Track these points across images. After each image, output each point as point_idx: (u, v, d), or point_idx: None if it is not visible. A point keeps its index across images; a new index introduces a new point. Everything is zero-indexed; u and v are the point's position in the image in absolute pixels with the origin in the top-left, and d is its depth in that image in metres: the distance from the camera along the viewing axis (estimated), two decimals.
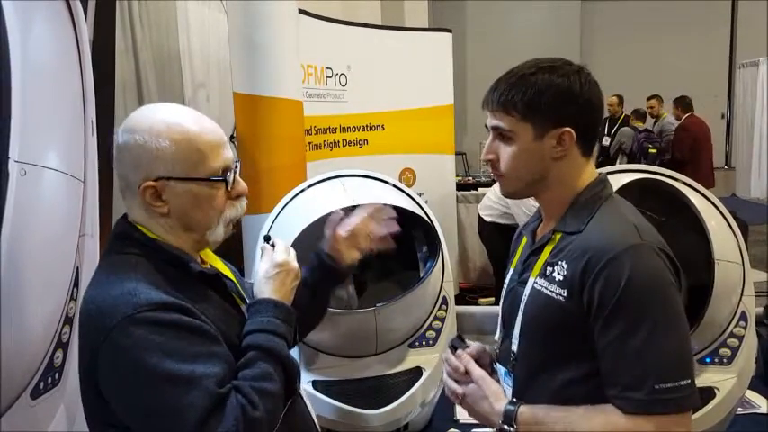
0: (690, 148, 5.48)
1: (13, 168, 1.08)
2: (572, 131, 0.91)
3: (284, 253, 0.99)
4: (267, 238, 1.03)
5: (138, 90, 2.66)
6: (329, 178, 2.07)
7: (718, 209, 1.68)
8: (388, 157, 3.47)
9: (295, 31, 2.50)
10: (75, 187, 1.30)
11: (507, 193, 0.99)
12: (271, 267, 0.96)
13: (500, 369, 1.03)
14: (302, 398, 1.03)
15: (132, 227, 0.88)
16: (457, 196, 4.05)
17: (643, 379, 0.81)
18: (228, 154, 0.90)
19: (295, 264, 0.98)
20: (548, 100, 0.90)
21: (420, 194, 2.36)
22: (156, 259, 0.86)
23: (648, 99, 6.15)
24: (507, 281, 1.06)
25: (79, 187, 1.32)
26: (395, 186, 2.15)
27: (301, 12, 2.70)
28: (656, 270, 0.84)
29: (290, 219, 1.89)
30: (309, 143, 2.93)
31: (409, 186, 3.04)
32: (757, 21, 7.96)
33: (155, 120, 0.86)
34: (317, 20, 3.00)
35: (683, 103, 5.69)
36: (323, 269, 1.12)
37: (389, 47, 3.44)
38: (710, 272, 1.57)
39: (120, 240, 0.88)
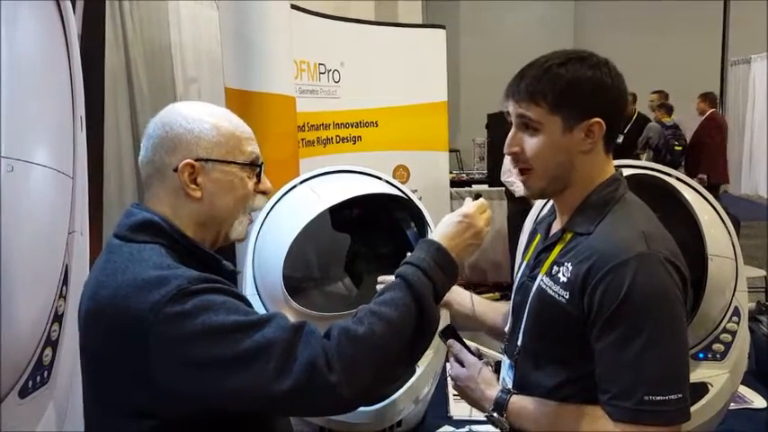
0: (713, 141, 5.59)
1: None
2: (602, 122, 0.89)
3: (475, 209, 0.97)
4: (477, 196, 1.02)
5: (129, 85, 2.63)
6: (296, 185, 2.00)
7: (711, 204, 1.68)
8: (381, 154, 3.46)
9: (288, 27, 2.48)
10: (64, 183, 1.28)
11: (533, 192, 0.96)
12: (455, 215, 0.96)
13: (505, 361, 1.05)
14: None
15: (158, 215, 0.85)
16: (451, 193, 4.06)
17: (634, 388, 0.81)
18: (258, 150, 0.92)
19: (480, 223, 0.96)
20: (579, 92, 0.88)
21: (414, 191, 2.35)
22: (182, 254, 0.84)
23: (653, 93, 6.21)
24: (519, 275, 1.06)
25: (68, 183, 1.30)
26: (368, 174, 2.10)
27: (294, 7, 2.68)
28: (658, 281, 0.83)
29: (271, 239, 1.83)
30: (302, 139, 2.91)
31: (403, 183, 3.02)
32: (749, 18, 8.00)
33: (197, 108, 0.90)
34: (309, 15, 2.98)
35: (709, 98, 5.80)
36: None
37: (383, 43, 3.42)
38: (704, 267, 1.57)
39: (142, 229, 0.84)
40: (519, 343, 0.99)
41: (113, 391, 0.80)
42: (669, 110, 6.03)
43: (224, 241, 0.92)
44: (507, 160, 4.49)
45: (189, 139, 0.85)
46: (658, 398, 0.81)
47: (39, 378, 1.18)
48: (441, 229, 0.95)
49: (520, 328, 0.99)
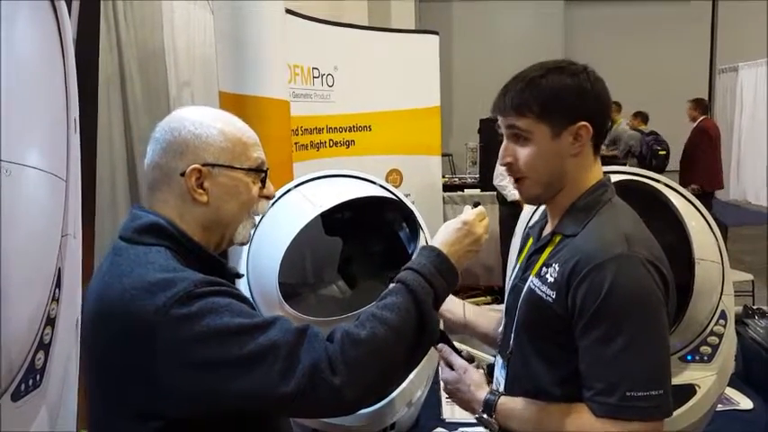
0: (705, 149, 5.49)
1: None
2: (588, 125, 0.92)
3: (474, 216, 1.00)
4: (476, 204, 1.07)
5: (122, 88, 2.63)
6: (290, 190, 2.01)
7: (698, 209, 1.71)
8: (375, 158, 3.47)
9: (281, 31, 2.50)
10: (57, 186, 1.28)
11: (529, 198, 1.00)
12: (455, 222, 0.99)
13: (498, 360, 1.07)
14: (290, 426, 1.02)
15: (164, 218, 0.86)
16: (443, 197, 4.08)
17: (616, 385, 0.84)
18: (263, 155, 0.93)
19: (479, 230, 1.00)
20: (562, 99, 0.91)
21: (407, 195, 2.36)
22: (188, 256, 0.84)
23: None
24: (512, 277, 1.09)
25: (62, 186, 1.30)
26: (361, 178, 2.11)
27: (288, 12, 2.70)
28: (638, 282, 0.86)
29: (266, 244, 1.83)
30: (296, 143, 2.92)
31: (396, 187, 3.04)
32: (737, 26, 8.12)
33: (204, 114, 0.90)
34: (303, 20, 2.99)
35: (701, 105, 5.72)
36: None
37: (376, 48, 3.45)
38: (691, 271, 1.60)
39: (148, 232, 0.85)
40: (511, 343, 1.01)
41: (119, 392, 0.80)
42: (645, 118, 6.09)
43: (228, 244, 0.93)
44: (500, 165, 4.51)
45: (196, 145, 0.86)
46: (640, 393, 0.83)
47: (31, 381, 1.18)
48: (441, 236, 0.98)
49: (512, 329, 1.01)
